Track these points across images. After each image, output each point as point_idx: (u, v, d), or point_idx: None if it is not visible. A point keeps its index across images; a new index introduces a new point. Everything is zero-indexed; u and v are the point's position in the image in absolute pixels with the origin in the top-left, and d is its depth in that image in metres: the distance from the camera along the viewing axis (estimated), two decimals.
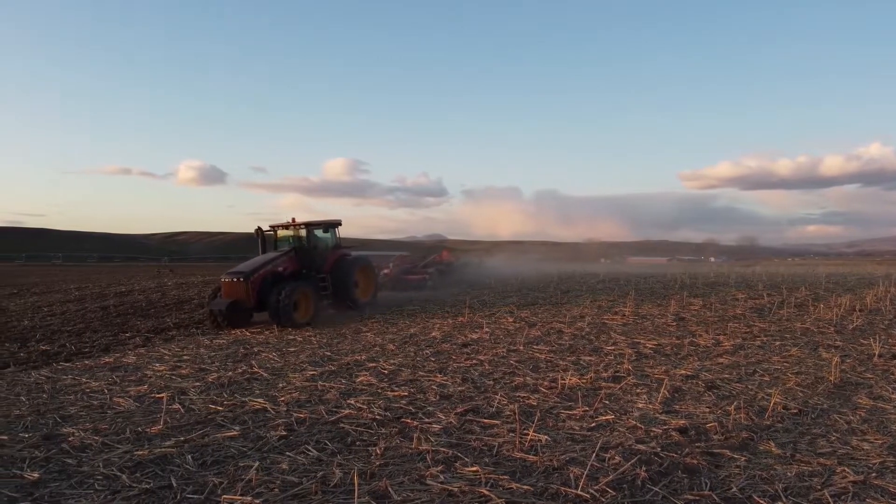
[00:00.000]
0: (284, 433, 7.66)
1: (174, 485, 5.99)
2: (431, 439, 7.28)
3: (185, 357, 13.57)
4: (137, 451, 7.00)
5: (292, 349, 14.28)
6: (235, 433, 7.69)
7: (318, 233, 20.14)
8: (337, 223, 20.96)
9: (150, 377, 11.54)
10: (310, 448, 7.07)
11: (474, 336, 15.50)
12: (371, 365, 12.01)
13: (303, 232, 19.81)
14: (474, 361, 12.08)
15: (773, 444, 6.95)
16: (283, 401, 9.30)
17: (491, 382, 10.27)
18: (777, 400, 8.64)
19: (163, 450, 7.02)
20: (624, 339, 14.51)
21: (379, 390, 9.87)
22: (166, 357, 13.64)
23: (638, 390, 9.58)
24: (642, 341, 14.17)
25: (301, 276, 18.84)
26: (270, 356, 13.46)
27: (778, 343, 13.78)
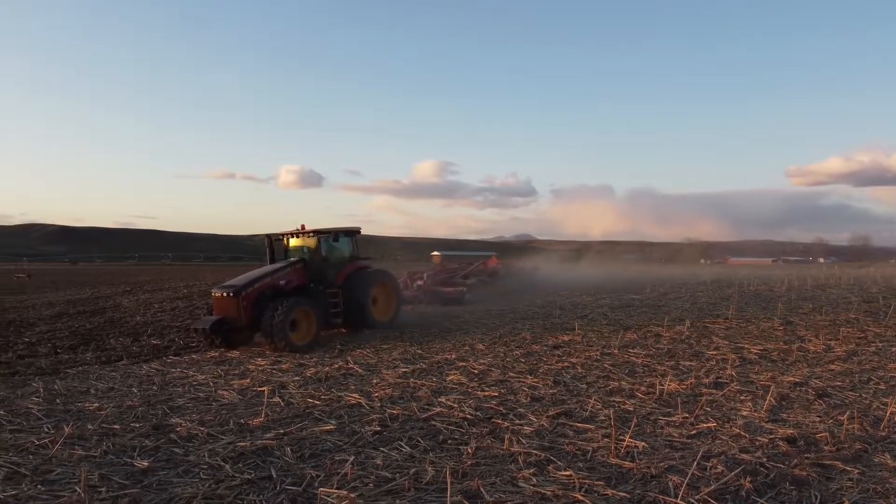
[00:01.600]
0: (378, 429, 7.78)
1: (274, 476, 6.19)
2: (523, 441, 7.20)
3: (284, 352, 14.04)
4: (240, 442, 7.29)
5: (385, 346, 14.52)
6: (332, 427, 7.87)
7: (331, 242, 17.14)
8: (355, 231, 18.06)
9: (253, 371, 12.02)
10: (403, 444, 7.14)
11: (566, 338, 15.26)
12: (461, 364, 12.04)
13: (312, 241, 17.08)
14: (566, 364, 11.88)
15: (888, 457, 6.45)
16: (376, 397, 9.46)
17: (584, 386, 10.06)
18: (894, 410, 8.02)
19: (263, 442, 7.27)
20: (727, 344, 13.89)
21: (469, 390, 9.87)
22: (268, 352, 14.16)
23: (742, 397, 9.14)
24: (747, 346, 13.51)
25: (308, 291, 16.10)
26: (365, 353, 13.73)
27: (894, 349, 12.82)
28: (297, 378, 11.08)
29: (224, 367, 12.61)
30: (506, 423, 7.90)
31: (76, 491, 5.65)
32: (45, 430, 7.86)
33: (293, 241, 17.40)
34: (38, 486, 5.85)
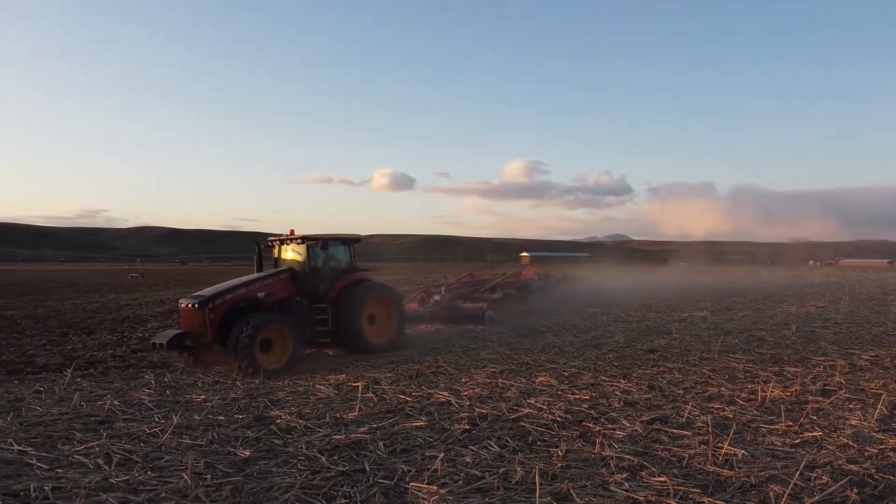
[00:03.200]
0: (467, 427, 7.83)
1: (367, 469, 6.34)
2: (615, 445, 7.06)
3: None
4: (335, 435, 7.52)
5: (474, 347, 14.57)
6: (422, 423, 7.99)
7: (322, 250, 14.64)
8: (352, 239, 15.48)
9: (348, 367, 12.37)
10: (492, 444, 7.16)
11: (662, 342, 14.83)
12: (551, 366, 11.92)
13: (301, 248, 14.59)
14: (662, 368, 11.54)
15: None
16: (466, 395, 9.52)
17: (681, 391, 9.74)
18: None
19: (357, 435, 7.47)
20: (835, 350, 13.11)
21: (559, 392, 9.76)
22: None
23: (851, 405, 8.60)
24: (857, 352, 12.71)
25: (292, 306, 13.71)
26: (455, 351, 13.84)
27: None
28: (389, 374, 11.31)
29: (319, 362, 13.03)
30: (597, 427, 7.77)
31: (183, 478, 5.99)
32: (156, 419, 8.37)
33: (284, 249, 14.97)
34: (149, 473, 6.23)
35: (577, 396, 9.43)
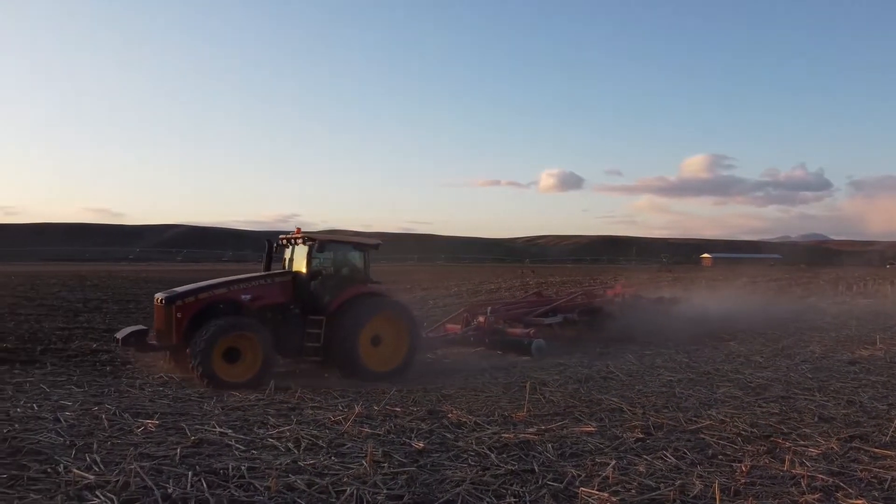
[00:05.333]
0: (641, 436, 7.56)
1: (536, 470, 6.32)
2: (807, 464, 6.48)
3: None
4: (504, 433, 7.57)
5: (648, 353, 14.04)
6: (592, 429, 7.82)
7: (319, 252, 12.44)
8: (368, 245, 13.27)
9: (517, 367, 12.44)
10: (667, 454, 6.85)
11: (865, 353, 13.38)
12: (735, 376, 11.19)
13: (302, 250, 12.62)
14: (864, 382, 10.42)
15: None
16: (639, 403, 9.20)
17: (885, 407, 8.75)
18: None
19: (526, 436, 7.47)
20: None
21: (744, 404, 9.14)
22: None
23: None
24: None
25: (283, 315, 11.95)
26: (627, 357, 13.43)
27: None
28: (557, 377, 11.21)
29: (490, 360, 13.23)
30: (787, 443, 7.17)
31: (363, 465, 6.32)
32: (339, 408, 8.92)
33: (291, 250, 13.03)
34: (332, 458, 6.64)
35: (764, 409, 8.79)
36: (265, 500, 5.42)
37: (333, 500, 5.49)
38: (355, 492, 5.59)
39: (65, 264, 74.23)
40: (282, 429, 7.62)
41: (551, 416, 8.47)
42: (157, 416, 8.10)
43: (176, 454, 6.48)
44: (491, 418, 8.34)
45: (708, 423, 8.11)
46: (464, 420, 8.21)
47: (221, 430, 7.51)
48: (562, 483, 5.97)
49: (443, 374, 12.42)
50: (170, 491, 5.44)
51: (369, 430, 7.67)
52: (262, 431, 7.56)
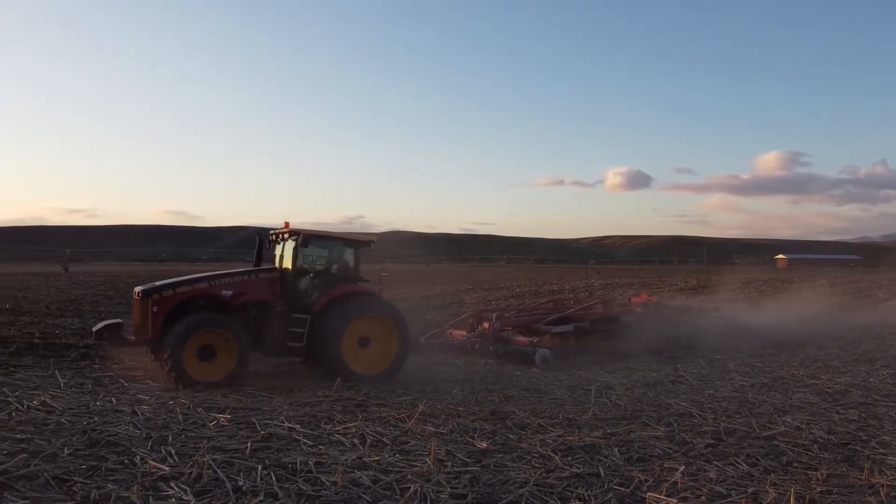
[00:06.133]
0: (712, 441, 7.35)
1: (601, 474, 6.22)
2: (887, 472, 6.19)
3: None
4: (569, 436, 7.49)
5: (719, 357, 13.63)
6: (660, 433, 7.66)
7: (303, 247, 11.77)
8: (359, 242, 12.56)
9: (580, 369, 12.27)
10: (739, 461, 6.64)
11: None
12: (811, 381, 10.76)
13: (289, 245, 12.02)
14: None
15: None
16: (710, 408, 8.95)
17: None
18: None
19: (591, 439, 7.37)
20: None
21: (821, 410, 8.79)
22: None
23: None
24: None
25: (267, 312, 11.42)
26: (698, 361, 13.08)
27: None
28: (623, 381, 11.01)
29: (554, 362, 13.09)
30: (866, 451, 6.87)
31: (426, 463, 6.36)
32: (404, 406, 9.00)
33: (280, 246, 12.38)
34: (396, 455, 6.70)
35: (842, 416, 8.44)
36: (332, 494, 5.52)
37: (397, 496, 5.54)
38: (419, 489, 5.63)
39: (141, 265, 77.50)
40: (348, 425, 7.74)
41: (618, 420, 8.33)
42: (228, 410, 8.36)
43: (246, 448, 6.66)
44: (555, 421, 8.26)
45: (782, 429, 7.84)
46: (527, 422, 8.15)
47: (290, 425, 7.68)
48: (628, 488, 5.86)
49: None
50: (240, 483, 5.60)
51: (433, 429, 7.71)
52: (328, 427, 7.69)
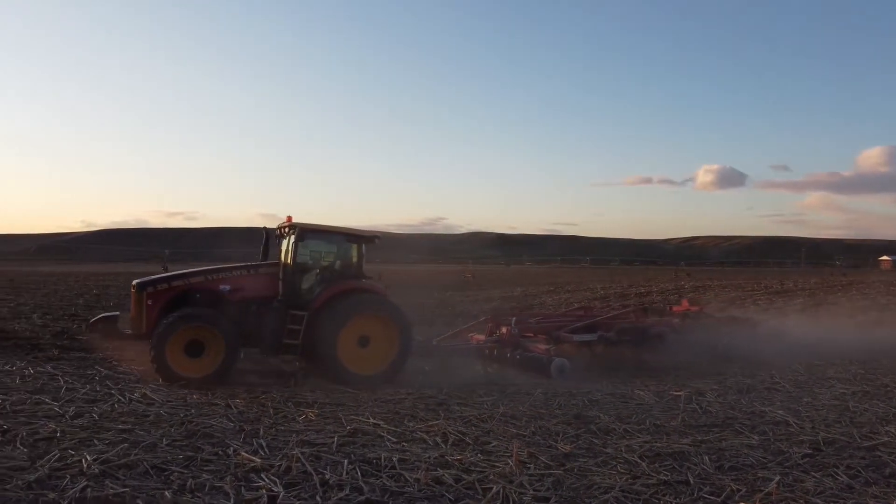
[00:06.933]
0: (809, 451, 6.99)
1: (691, 481, 6.03)
2: None
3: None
4: (656, 442, 7.29)
5: (818, 363, 12.96)
6: (754, 442, 7.35)
7: (299, 241, 11.43)
8: (365, 238, 12.02)
9: (670, 375, 11.94)
10: (839, 472, 6.29)
11: None
12: None
13: (290, 240, 11.61)
14: None
15: None
16: (807, 417, 8.52)
17: None
18: None
19: (680, 446, 7.15)
20: None
21: None
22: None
23: None
24: None
25: (265, 309, 11.05)
26: (794, 367, 12.50)
27: None
28: (715, 387, 10.63)
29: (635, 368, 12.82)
30: None
31: (509, 464, 6.34)
32: (485, 406, 9.00)
33: (288, 240, 11.84)
34: (479, 454, 6.71)
35: None
36: (415, 491, 5.59)
37: (480, 496, 5.55)
38: (501, 490, 5.62)
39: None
40: (430, 423, 7.82)
41: (708, 427, 8.05)
42: (316, 405, 8.62)
43: (333, 442, 6.85)
44: (642, 426, 8.06)
45: (886, 439, 7.40)
46: (612, 426, 7.99)
47: (374, 421, 7.84)
48: (720, 497, 5.66)
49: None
50: (327, 477, 5.75)
51: (515, 430, 7.69)
52: (411, 424, 7.80)
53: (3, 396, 8.12)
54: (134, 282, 11.13)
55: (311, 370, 11.49)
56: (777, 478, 6.07)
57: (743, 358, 13.35)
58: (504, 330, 13.92)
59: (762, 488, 5.83)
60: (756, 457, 6.84)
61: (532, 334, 14.03)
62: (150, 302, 10.60)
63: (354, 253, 11.96)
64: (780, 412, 8.73)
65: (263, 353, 11.42)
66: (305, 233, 11.38)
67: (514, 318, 14.28)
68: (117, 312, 12.13)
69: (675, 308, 17.56)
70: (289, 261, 11.37)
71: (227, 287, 11.00)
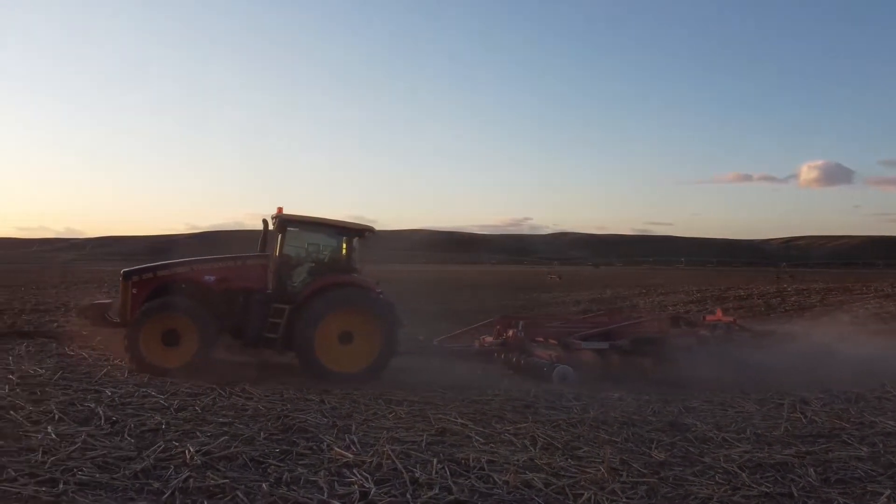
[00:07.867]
0: None
1: (795, 494, 5.73)
2: None
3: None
4: (757, 452, 6.97)
5: None
6: (863, 454, 6.93)
7: (302, 236, 11.65)
8: (355, 231, 11.67)
9: (770, 381, 11.37)
10: None
11: None
12: None
13: (279, 231, 11.37)
14: None
15: None
16: None
17: None
18: None
19: (783, 457, 6.81)
20: None
21: None
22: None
23: None
24: None
25: (250, 301, 10.87)
26: None
27: None
28: (821, 395, 10.05)
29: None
30: None
31: (600, 470, 6.20)
32: (574, 411, 8.86)
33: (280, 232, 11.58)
34: (568, 460, 6.60)
35: None
36: (504, 493, 5.56)
37: (570, 502, 5.47)
38: (592, 497, 5.52)
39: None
40: (519, 425, 7.77)
41: (813, 438, 7.64)
42: (405, 403, 8.73)
43: (422, 441, 6.91)
44: (742, 435, 7.73)
45: None
46: (709, 435, 7.70)
47: (462, 421, 7.85)
48: None
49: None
50: (417, 475, 5.81)
51: (606, 436, 7.53)
52: (499, 426, 7.77)
53: (113, 389, 8.68)
54: (122, 271, 11.26)
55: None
56: (888, 492, 5.73)
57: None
58: (510, 333, 13.53)
59: (872, 502, 5.48)
60: (865, 469, 6.46)
61: (542, 339, 13.46)
62: (134, 291, 10.71)
63: (344, 246, 11.71)
64: (891, 423, 8.21)
65: (245, 345, 11.21)
66: (287, 223, 11.25)
67: (521, 322, 13.81)
68: (110, 301, 12.36)
69: (708, 318, 16.09)
70: (275, 253, 11.29)
71: (213, 277, 10.96)
